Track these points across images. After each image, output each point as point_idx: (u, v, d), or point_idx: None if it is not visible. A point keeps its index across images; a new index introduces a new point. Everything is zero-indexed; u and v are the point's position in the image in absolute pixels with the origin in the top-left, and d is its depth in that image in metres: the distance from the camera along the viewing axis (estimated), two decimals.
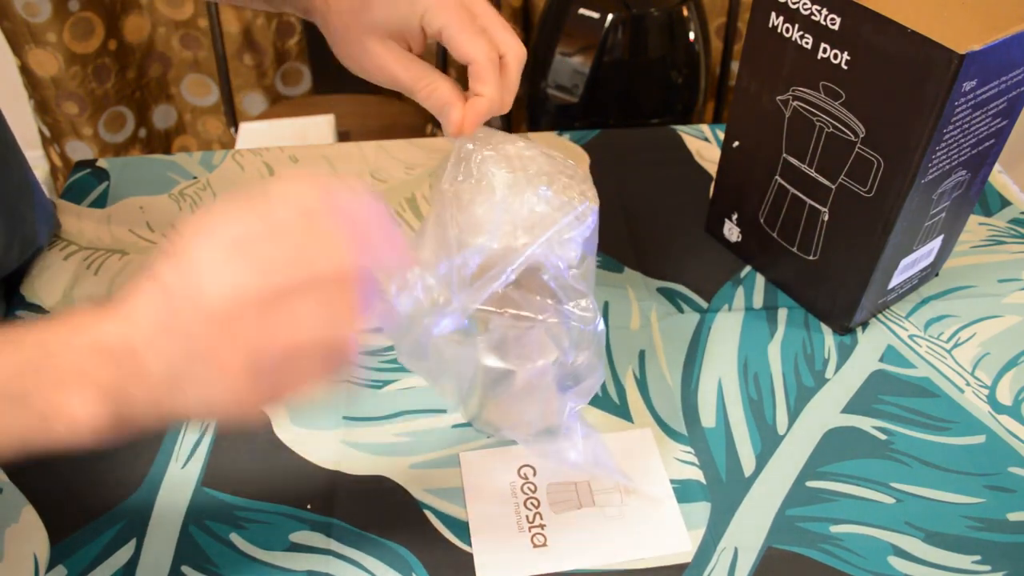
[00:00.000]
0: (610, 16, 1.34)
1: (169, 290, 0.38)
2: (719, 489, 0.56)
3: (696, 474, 0.57)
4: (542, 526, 0.54)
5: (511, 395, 0.55)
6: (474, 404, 0.58)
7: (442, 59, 1.58)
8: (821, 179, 0.62)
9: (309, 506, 0.55)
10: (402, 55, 0.52)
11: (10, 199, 0.65)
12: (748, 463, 0.58)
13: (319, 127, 1.48)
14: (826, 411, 0.61)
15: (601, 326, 0.52)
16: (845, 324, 0.66)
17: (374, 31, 0.51)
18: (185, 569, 0.52)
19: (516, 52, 0.52)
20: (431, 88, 0.52)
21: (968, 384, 0.63)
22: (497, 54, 0.51)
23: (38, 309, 0.67)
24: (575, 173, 0.52)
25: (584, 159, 0.84)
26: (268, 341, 0.37)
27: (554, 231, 0.49)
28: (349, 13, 0.51)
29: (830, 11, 0.55)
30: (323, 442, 0.59)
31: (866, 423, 0.60)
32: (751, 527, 0.54)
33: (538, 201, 0.50)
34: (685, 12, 1.39)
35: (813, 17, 0.56)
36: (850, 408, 0.61)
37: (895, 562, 0.53)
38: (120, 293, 0.39)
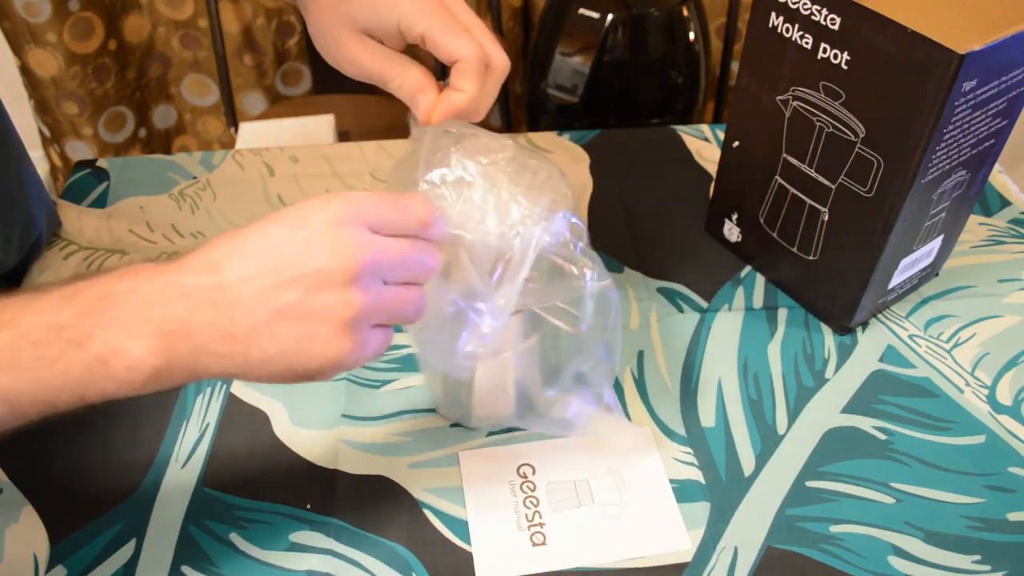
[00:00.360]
0: (610, 16, 1.34)
1: (261, 244, 0.40)
2: (719, 489, 0.56)
3: (695, 474, 0.57)
4: (541, 525, 0.54)
5: (496, 386, 0.55)
6: (462, 403, 0.58)
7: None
8: (821, 179, 0.62)
9: (309, 506, 0.55)
10: (374, 48, 0.51)
11: (7, 191, 0.65)
12: (748, 463, 0.58)
13: (319, 127, 1.48)
14: (826, 411, 0.61)
15: (614, 293, 0.51)
16: (845, 324, 0.66)
17: (350, 26, 0.51)
18: (185, 569, 0.52)
19: (500, 62, 0.51)
20: (403, 77, 0.51)
21: (968, 384, 0.63)
22: (485, 53, 0.50)
23: None
24: (541, 167, 0.51)
25: (584, 159, 0.84)
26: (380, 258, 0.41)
27: (539, 210, 0.48)
28: (328, 6, 0.51)
29: (830, 11, 0.55)
30: (322, 442, 0.59)
31: (866, 423, 0.60)
32: (751, 527, 0.54)
33: (512, 198, 0.49)
34: (685, 12, 1.39)
35: (813, 17, 0.56)
36: (850, 408, 0.61)
37: (895, 562, 0.53)
38: (186, 252, 0.41)
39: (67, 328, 0.38)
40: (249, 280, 0.39)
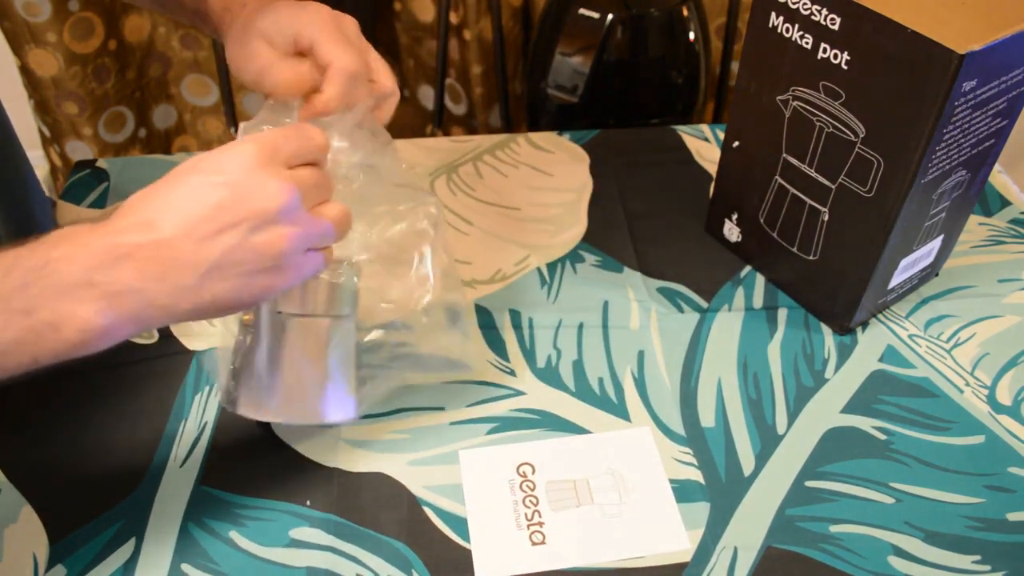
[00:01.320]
0: (610, 16, 1.34)
1: (189, 197, 0.42)
2: (718, 489, 0.56)
3: (695, 474, 0.57)
4: (541, 524, 0.54)
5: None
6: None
7: (442, 55, 1.58)
8: (821, 179, 0.62)
9: (308, 503, 0.55)
10: (278, 55, 0.54)
11: (10, 189, 0.65)
12: (747, 463, 0.58)
13: None
14: (826, 411, 0.61)
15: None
16: (845, 324, 0.66)
17: (259, 36, 0.54)
18: (185, 567, 0.52)
19: (387, 84, 0.56)
20: (293, 70, 0.54)
21: (968, 384, 0.63)
22: (360, 69, 0.53)
23: None
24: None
25: (584, 159, 0.84)
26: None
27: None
28: (246, 18, 0.55)
29: (830, 11, 0.55)
30: (322, 439, 0.59)
31: (866, 423, 0.60)
32: (750, 527, 0.54)
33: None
34: (685, 12, 1.39)
35: (813, 17, 0.56)
36: (850, 408, 0.61)
37: (895, 562, 0.53)
38: (121, 208, 0.42)
39: (11, 299, 0.39)
40: (188, 233, 0.41)
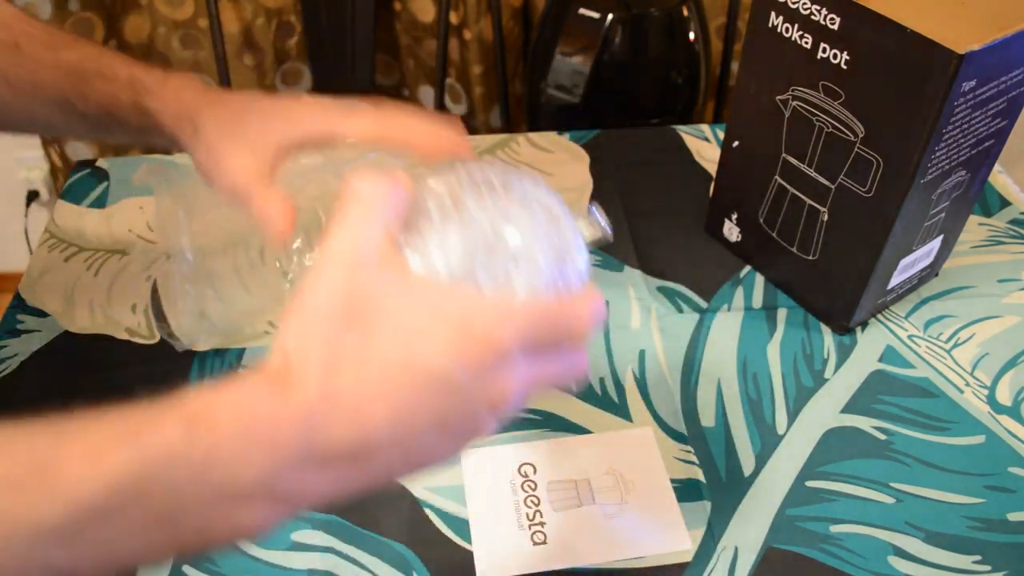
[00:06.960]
0: (610, 16, 1.34)
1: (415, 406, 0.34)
2: (719, 488, 0.56)
3: (696, 473, 0.57)
4: (542, 524, 0.54)
5: None
6: None
7: (442, 55, 1.58)
8: (821, 179, 0.62)
9: None
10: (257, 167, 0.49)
11: None
12: (748, 463, 0.58)
13: None
14: (825, 411, 0.61)
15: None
16: (844, 324, 0.66)
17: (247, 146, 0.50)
18: (186, 569, 0.52)
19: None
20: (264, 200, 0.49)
21: (968, 384, 0.63)
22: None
23: (40, 314, 0.67)
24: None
25: (584, 159, 0.84)
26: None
27: None
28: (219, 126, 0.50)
29: (830, 11, 0.55)
30: None
31: (865, 423, 0.60)
32: (751, 527, 0.54)
33: None
34: (685, 12, 1.39)
35: (813, 17, 0.56)
36: (849, 408, 0.61)
37: (895, 562, 0.53)
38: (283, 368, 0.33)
39: (152, 506, 0.32)
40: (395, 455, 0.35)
